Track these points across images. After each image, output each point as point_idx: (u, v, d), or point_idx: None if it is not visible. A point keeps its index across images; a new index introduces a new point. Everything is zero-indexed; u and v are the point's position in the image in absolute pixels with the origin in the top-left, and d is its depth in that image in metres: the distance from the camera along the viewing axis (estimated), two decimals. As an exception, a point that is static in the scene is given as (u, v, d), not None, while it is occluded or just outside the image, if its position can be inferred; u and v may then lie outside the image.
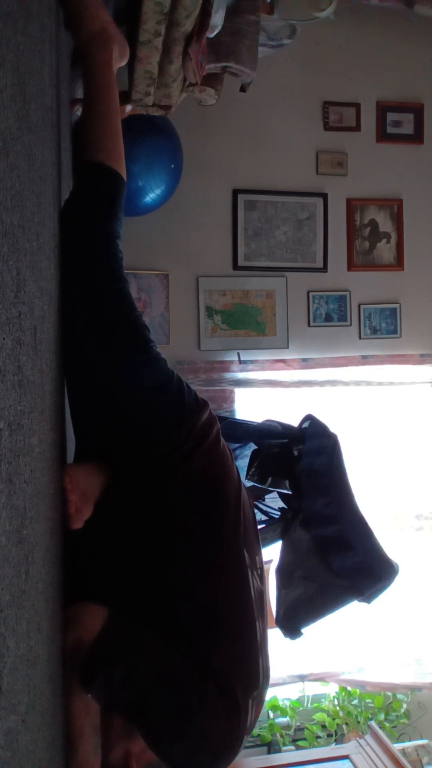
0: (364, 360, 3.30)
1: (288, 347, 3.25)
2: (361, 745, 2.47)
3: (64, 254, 1.16)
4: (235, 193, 3.21)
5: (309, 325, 3.29)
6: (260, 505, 1.78)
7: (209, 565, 1.18)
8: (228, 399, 3.15)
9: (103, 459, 1.21)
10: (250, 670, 1.17)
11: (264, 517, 1.79)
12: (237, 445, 1.88)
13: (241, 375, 3.15)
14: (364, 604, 1.61)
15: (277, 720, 3.20)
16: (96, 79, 1.22)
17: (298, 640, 1.65)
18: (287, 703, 3.22)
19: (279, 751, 3.07)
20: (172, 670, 1.06)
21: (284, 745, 3.12)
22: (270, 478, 1.80)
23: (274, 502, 1.82)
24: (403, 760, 2.36)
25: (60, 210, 1.19)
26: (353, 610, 1.67)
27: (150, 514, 1.18)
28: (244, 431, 1.99)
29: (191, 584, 1.15)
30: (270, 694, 3.21)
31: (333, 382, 3.32)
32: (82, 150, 1.22)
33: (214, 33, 1.83)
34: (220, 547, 1.21)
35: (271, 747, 3.16)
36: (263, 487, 1.77)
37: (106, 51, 1.23)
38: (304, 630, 1.63)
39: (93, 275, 1.19)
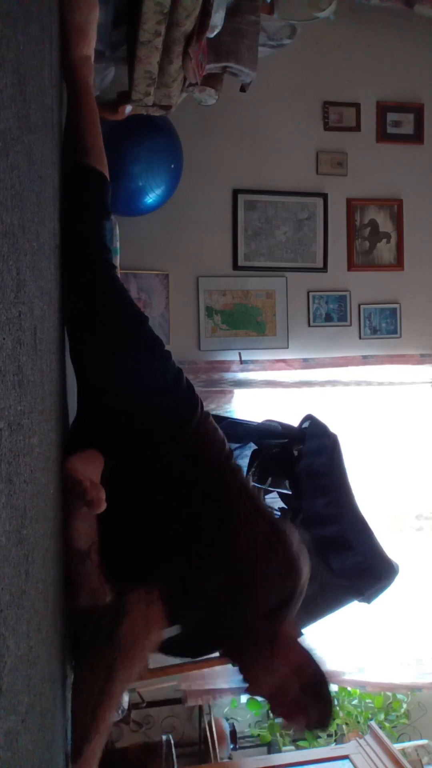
0: (364, 360, 3.30)
1: (288, 347, 3.25)
2: (361, 745, 2.47)
3: (64, 256, 1.21)
4: (235, 193, 3.21)
5: (309, 325, 3.29)
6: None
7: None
8: (228, 399, 3.15)
9: (94, 443, 1.26)
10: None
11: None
12: (237, 445, 1.89)
13: (241, 375, 3.15)
14: (364, 604, 1.61)
15: (277, 720, 3.20)
16: (84, 95, 1.33)
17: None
18: (287, 703, 3.22)
19: (279, 751, 3.08)
20: None
21: (284, 745, 3.12)
22: (270, 478, 1.80)
23: (274, 502, 1.82)
24: (403, 760, 2.35)
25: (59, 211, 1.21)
26: (353, 610, 1.67)
27: (159, 482, 1.23)
28: (244, 431, 1.99)
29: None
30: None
31: (333, 382, 3.32)
32: (71, 153, 1.31)
33: (214, 33, 1.83)
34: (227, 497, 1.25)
35: (271, 747, 3.16)
36: (263, 487, 1.78)
37: (90, 75, 1.38)
38: (304, 630, 1.63)
39: (93, 276, 1.22)
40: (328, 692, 1.26)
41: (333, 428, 1.68)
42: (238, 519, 1.22)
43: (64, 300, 1.22)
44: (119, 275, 3.00)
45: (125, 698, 2.78)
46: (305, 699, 1.21)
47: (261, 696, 1.27)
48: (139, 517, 1.23)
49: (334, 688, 3.29)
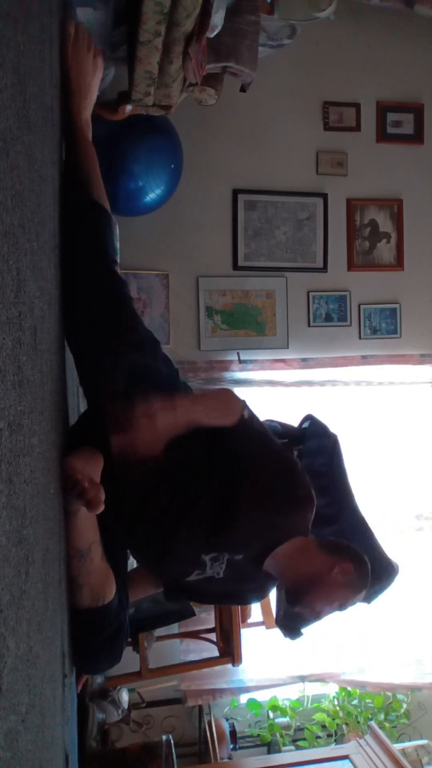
0: (364, 360, 3.30)
1: (288, 347, 3.25)
2: (361, 745, 2.47)
3: (71, 282, 1.32)
4: (235, 193, 3.21)
5: (309, 325, 3.29)
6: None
7: None
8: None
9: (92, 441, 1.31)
10: None
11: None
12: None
13: (241, 375, 3.15)
14: (364, 604, 1.61)
15: (277, 720, 3.20)
16: (88, 147, 1.51)
17: (299, 640, 1.65)
18: (287, 703, 3.22)
19: (279, 751, 3.07)
20: None
21: (284, 745, 3.12)
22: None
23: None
24: (403, 760, 2.35)
25: (63, 241, 1.31)
26: (353, 610, 1.66)
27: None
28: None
29: None
30: (270, 694, 3.21)
31: (333, 382, 3.32)
32: (75, 188, 1.44)
33: (214, 33, 1.83)
34: None
35: (271, 747, 3.16)
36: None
37: (89, 130, 1.54)
38: (304, 630, 1.63)
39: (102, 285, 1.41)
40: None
41: (333, 428, 1.68)
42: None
43: (68, 301, 1.30)
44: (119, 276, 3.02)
45: (125, 697, 2.78)
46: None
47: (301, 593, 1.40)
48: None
49: (334, 688, 3.29)
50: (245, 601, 1.59)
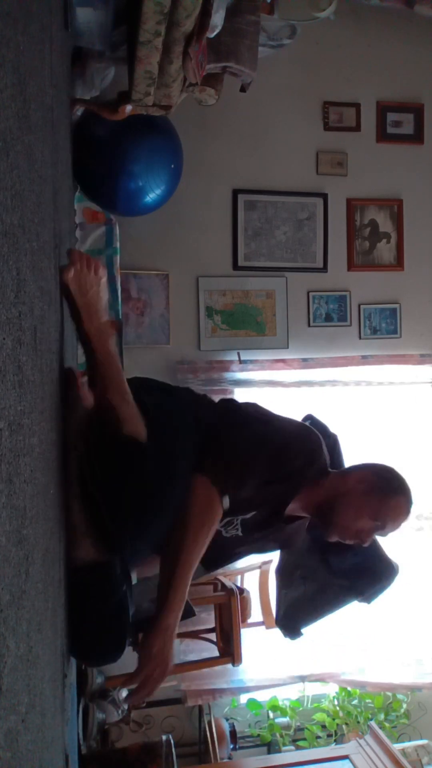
0: (364, 360, 3.30)
1: (288, 347, 3.25)
2: (361, 745, 2.47)
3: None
4: (235, 193, 3.21)
5: (309, 325, 3.29)
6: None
7: None
8: (228, 399, 3.14)
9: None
10: None
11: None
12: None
13: (241, 375, 3.15)
14: (364, 604, 1.61)
15: (277, 720, 3.20)
16: (109, 367, 1.31)
17: (299, 640, 1.65)
18: (287, 703, 3.22)
19: (279, 751, 3.07)
20: None
21: (284, 745, 3.12)
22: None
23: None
24: (403, 760, 2.35)
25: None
26: (353, 610, 1.66)
27: None
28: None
29: None
30: (270, 694, 3.21)
31: (333, 382, 3.32)
32: (107, 425, 1.26)
33: (214, 33, 1.83)
34: None
35: (271, 747, 3.16)
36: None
37: (110, 338, 1.36)
38: (304, 630, 1.63)
39: None
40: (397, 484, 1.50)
41: (333, 428, 1.68)
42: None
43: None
44: (119, 275, 3.00)
45: (124, 694, 2.78)
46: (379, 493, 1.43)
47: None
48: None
49: (334, 688, 3.29)
50: (273, 549, 1.61)
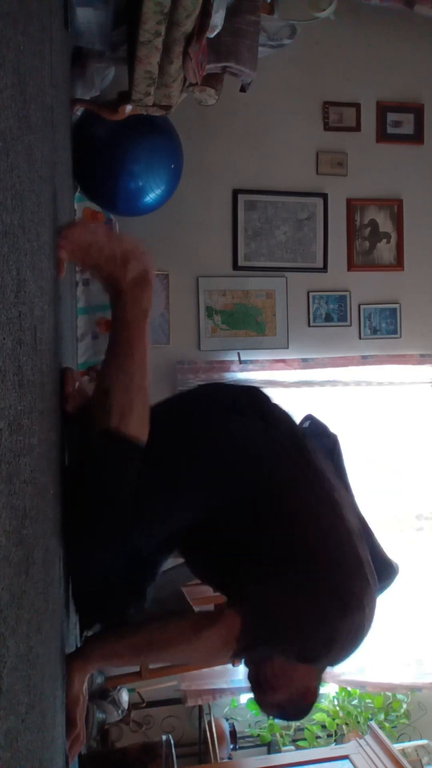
0: (364, 360, 3.30)
1: (288, 347, 3.25)
2: (361, 745, 2.47)
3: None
4: (235, 193, 3.21)
5: (309, 325, 3.29)
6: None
7: None
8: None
9: None
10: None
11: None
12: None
13: (241, 375, 3.15)
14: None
15: (276, 720, 3.20)
16: (132, 335, 1.07)
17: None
18: (287, 703, 3.21)
19: (279, 751, 3.07)
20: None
21: (284, 745, 3.12)
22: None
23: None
24: (403, 761, 2.35)
25: (73, 468, 1.16)
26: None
27: None
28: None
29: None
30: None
31: (333, 382, 3.32)
32: (103, 413, 1.07)
33: (214, 33, 1.83)
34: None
35: (271, 747, 3.16)
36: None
37: (148, 294, 1.12)
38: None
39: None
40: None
41: (333, 428, 1.68)
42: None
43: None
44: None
45: (125, 697, 2.78)
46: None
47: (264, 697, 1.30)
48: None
49: (334, 688, 3.29)
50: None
